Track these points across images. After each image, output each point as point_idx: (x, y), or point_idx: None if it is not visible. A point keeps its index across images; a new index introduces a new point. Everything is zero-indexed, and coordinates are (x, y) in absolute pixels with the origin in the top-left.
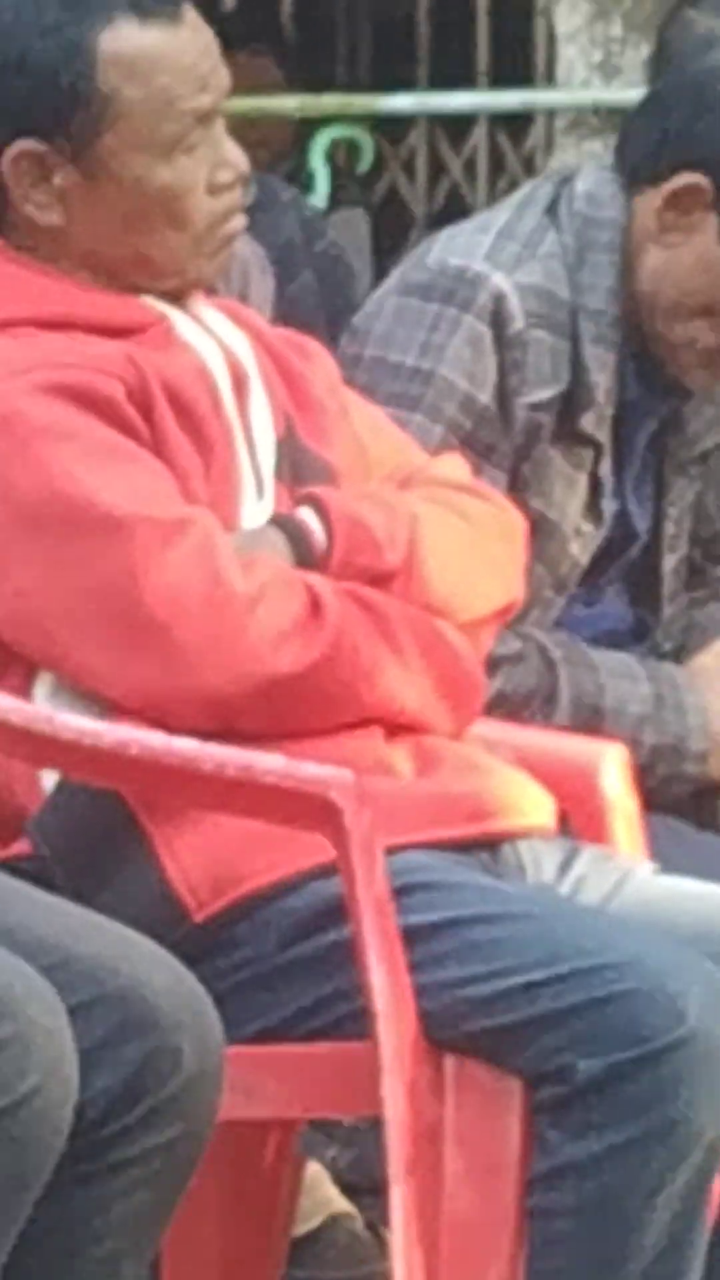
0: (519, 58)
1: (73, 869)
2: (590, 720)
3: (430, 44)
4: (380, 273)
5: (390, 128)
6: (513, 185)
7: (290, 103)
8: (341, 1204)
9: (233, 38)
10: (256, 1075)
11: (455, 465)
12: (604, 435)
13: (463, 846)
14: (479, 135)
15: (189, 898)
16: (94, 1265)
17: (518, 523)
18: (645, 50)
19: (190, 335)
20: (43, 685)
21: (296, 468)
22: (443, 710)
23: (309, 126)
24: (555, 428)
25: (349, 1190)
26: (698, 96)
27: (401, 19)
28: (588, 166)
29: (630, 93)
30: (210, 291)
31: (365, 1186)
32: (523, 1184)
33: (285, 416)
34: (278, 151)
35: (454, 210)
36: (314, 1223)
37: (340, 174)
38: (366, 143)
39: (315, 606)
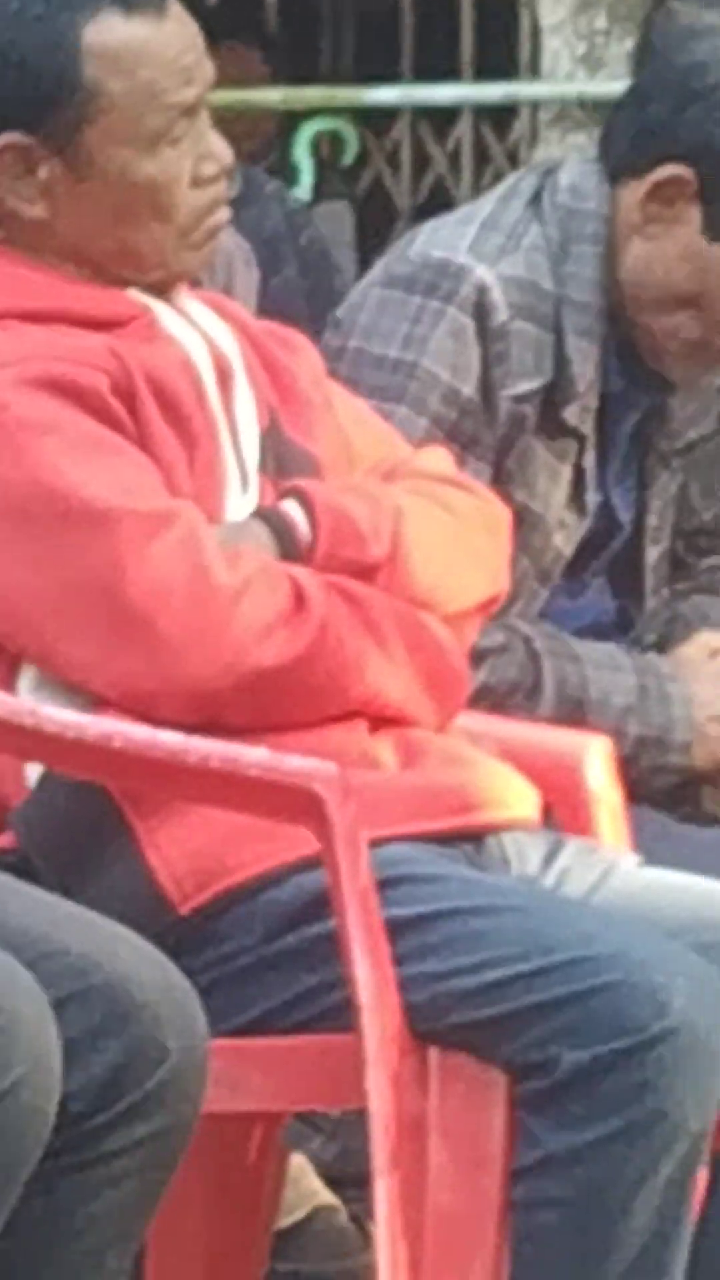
0: (503, 50)
1: (57, 862)
2: (574, 712)
3: (414, 36)
4: (364, 265)
5: (375, 120)
6: (497, 178)
7: (274, 95)
8: (326, 1196)
9: (217, 30)
10: (241, 1068)
11: (439, 458)
12: (587, 427)
13: (447, 839)
14: (463, 128)
15: (173, 891)
16: (79, 1257)
17: (502, 515)
18: (629, 43)
19: (175, 328)
20: (27, 678)
21: (281, 460)
22: (427, 703)
23: (293, 119)
24: (539, 420)
25: (333, 1183)
26: (681, 88)
27: (386, 11)
28: (572, 159)
29: (614, 85)
30: (195, 284)
31: (350, 1179)
32: (507, 1176)
33: (269, 409)
34: (262, 144)
35: (438, 203)
36: (298, 1215)
37: (325, 167)
38: (351, 135)
39: (299, 599)
